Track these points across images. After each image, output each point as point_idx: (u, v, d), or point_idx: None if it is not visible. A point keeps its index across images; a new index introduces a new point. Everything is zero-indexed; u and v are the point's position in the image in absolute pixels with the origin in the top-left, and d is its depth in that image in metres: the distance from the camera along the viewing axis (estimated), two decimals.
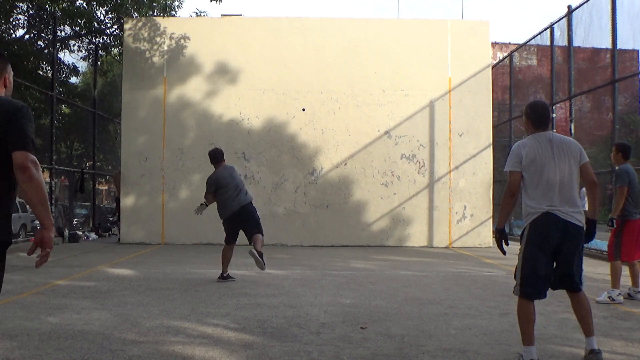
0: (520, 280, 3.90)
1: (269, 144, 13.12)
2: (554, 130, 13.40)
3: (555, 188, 3.84)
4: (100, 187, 23.81)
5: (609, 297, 6.25)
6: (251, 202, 7.48)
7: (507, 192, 4.12)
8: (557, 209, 3.81)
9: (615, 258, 6.36)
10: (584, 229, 3.86)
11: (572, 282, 3.90)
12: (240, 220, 7.35)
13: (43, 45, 16.02)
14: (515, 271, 4.01)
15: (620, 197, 6.23)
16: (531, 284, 3.83)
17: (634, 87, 16.39)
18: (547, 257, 3.83)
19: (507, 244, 4.10)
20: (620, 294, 6.29)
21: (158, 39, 13.26)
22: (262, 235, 7.33)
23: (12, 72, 3.05)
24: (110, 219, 16.83)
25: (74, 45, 16.88)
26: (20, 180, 2.65)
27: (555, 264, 3.87)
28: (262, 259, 6.91)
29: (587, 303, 4.00)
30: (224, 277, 7.38)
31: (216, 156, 7.61)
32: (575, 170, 3.90)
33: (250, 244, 7.19)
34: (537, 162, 3.87)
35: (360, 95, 13.18)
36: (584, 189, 16.78)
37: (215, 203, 7.47)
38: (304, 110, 12.92)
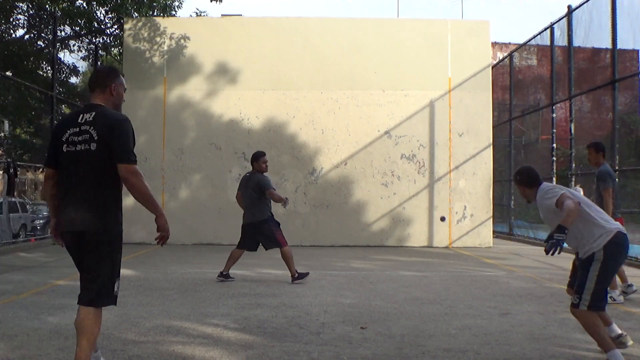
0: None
1: (269, 144, 13.10)
2: (554, 131, 13.41)
3: None
4: None
5: (610, 297, 6.25)
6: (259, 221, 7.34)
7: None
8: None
9: None
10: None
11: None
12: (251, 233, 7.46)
13: (43, 45, 16.04)
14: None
15: (609, 199, 6.23)
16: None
17: (634, 87, 16.40)
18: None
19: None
20: (620, 294, 6.30)
21: (158, 39, 13.26)
22: (280, 250, 7.28)
23: (123, 84, 3.46)
24: None
25: (74, 45, 16.90)
26: (125, 186, 3.18)
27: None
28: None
29: None
30: (224, 276, 7.37)
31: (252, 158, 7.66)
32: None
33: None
34: None
35: (360, 95, 13.18)
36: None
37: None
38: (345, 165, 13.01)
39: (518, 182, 4.30)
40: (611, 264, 3.84)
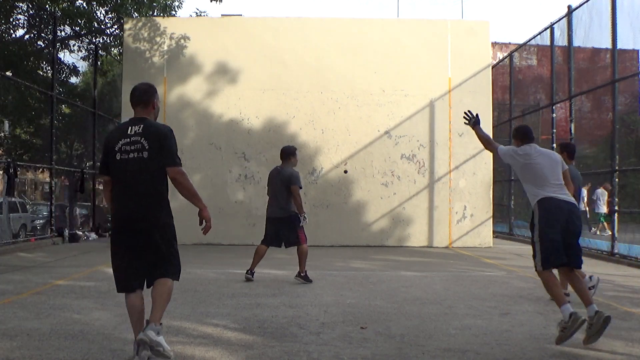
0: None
1: (269, 144, 13.10)
2: (554, 131, 13.42)
3: None
4: (100, 187, 23.77)
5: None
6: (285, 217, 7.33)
7: None
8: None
9: None
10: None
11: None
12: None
13: (43, 45, 16.03)
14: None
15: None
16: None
17: (634, 87, 16.39)
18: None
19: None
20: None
21: (158, 39, 13.26)
22: (299, 246, 7.34)
23: (159, 98, 4.06)
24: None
25: (74, 45, 16.89)
26: (174, 185, 3.77)
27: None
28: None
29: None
30: (251, 274, 7.40)
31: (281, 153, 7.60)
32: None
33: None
34: None
35: (360, 95, 13.18)
36: (598, 190, 16.65)
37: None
38: (346, 172, 13.00)
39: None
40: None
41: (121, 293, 3.92)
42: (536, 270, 4.62)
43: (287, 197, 7.29)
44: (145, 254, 3.78)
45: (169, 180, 3.77)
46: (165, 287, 3.76)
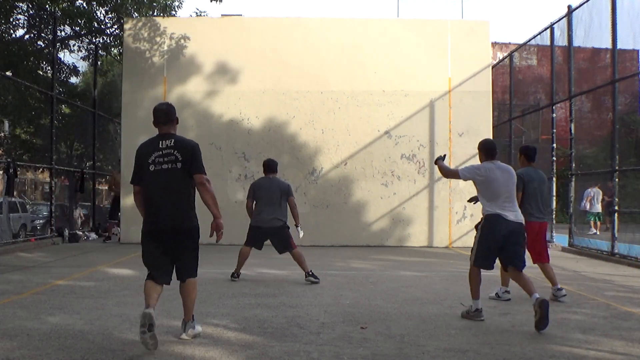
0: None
1: (269, 144, 13.10)
2: (554, 131, 13.42)
3: None
4: (100, 187, 23.79)
5: (495, 294, 6.36)
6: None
7: None
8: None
9: None
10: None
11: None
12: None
13: (43, 45, 16.02)
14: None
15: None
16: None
17: (634, 87, 16.40)
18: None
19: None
20: (507, 291, 6.32)
21: (158, 39, 13.25)
22: (292, 252, 7.54)
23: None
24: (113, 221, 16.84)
25: (74, 45, 16.88)
26: (199, 190, 4.35)
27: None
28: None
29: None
30: (237, 276, 7.49)
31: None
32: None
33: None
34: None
35: (360, 95, 13.18)
36: (589, 190, 16.62)
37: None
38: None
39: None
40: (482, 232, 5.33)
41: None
42: (470, 261, 5.45)
43: (284, 208, 7.46)
44: (174, 253, 4.37)
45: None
46: (192, 286, 4.50)
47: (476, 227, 5.50)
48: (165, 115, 4.45)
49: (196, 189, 4.40)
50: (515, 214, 5.28)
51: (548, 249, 6.67)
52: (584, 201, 16.31)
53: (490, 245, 5.21)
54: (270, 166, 7.69)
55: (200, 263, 8.09)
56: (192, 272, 4.50)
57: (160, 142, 4.35)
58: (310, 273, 7.35)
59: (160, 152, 4.31)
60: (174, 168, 4.27)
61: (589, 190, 16.55)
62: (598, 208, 16.52)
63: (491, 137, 13.28)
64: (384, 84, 13.17)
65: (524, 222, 5.32)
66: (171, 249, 4.35)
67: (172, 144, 4.32)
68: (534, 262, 6.48)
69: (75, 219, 16.98)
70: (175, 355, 4.01)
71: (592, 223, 16.47)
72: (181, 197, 4.33)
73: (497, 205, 5.24)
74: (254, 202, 7.55)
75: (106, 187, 22.44)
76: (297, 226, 7.50)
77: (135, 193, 4.49)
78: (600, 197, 16.46)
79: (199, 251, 4.52)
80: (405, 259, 10.53)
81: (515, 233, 5.21)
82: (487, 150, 5.49)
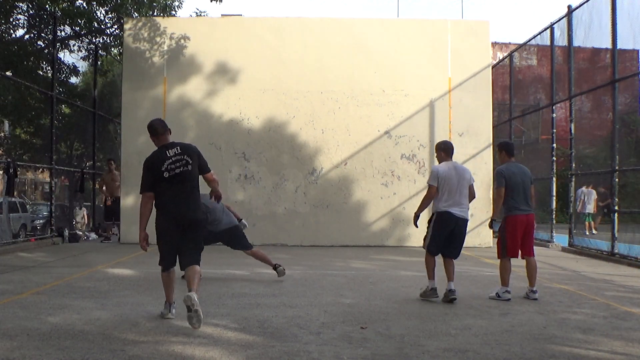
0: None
1: (269, 144, 13.11)
2: (554, 131, 13.43)
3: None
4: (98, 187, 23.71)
5: (496, 294, 6.34)
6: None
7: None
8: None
9: (502, 256, 6.45)
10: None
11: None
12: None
13: (43, 45, 16.02)
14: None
15: (498, 199, 6.41)
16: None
17: (634, 87, 16.40)
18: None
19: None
20: (507, 291, 6.32)
21: (158, 39, 13.25)
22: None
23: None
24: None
25: (74, 45, 16.87)
26: (209, 185, 5.35)
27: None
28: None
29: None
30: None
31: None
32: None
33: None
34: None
35: (360, 95, 13.18)
36: (580, 190, 16.55)
37: None
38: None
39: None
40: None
41: (159, 270, 5.29)
42: (423, 247, 6.40)
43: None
44: (183, 243, 5.08)
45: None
46: (196, 270, 5.06)
47: (429, 222, 6.37)
48: (162, 124, 5.15)
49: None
50: (462, 211, 6.17)
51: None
52: (578, 202, 16.26)
53: (441, 237, 6.22)
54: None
55: (200, 263, 8.09)
56: (196, 259, 5.13)
57: (167, 151, 5.02)
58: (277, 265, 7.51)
59: (171, 160, 4.97)
60: (187, 170, 5.01)
61: (580, 190, 16.44)
62: (590, 209, 16.41)
63: (491, 138, 13.34)
64: (384, 84, 13.17)
65: (468, 219, 6.30)
66: (182, 239, 5.07)
67: (179, 150, 5.03)
68: (522, 256, 6.48)
69: (80, 218, 16.97)
70: (175, 355, 4.01)
71: (586, 224, 16.39)
72: (195, 193, 5.11)
73: (449, 203, 6.10)
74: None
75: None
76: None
77: (147, 198, 5.05)
78: (593, 197, 16.37)
79: (202, 241, 5.33)
80: (405, 259, 10.53)
81: (459, 228, 6.22)
82: (446, 149, 6.36)
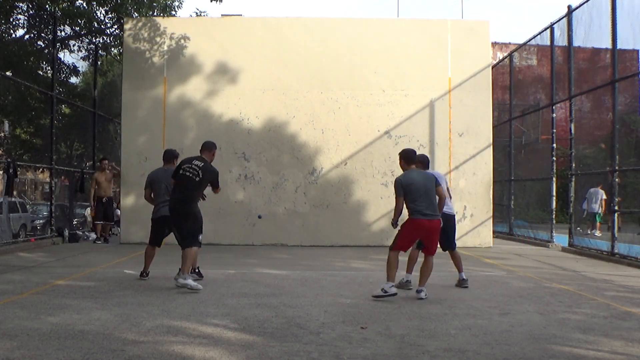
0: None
1: (269, 144, 13.11)
2: (554, 131, 13.43)
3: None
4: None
5: (382, 290, 6.31)
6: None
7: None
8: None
9: (391, 249, 6.53)
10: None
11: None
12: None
13: (43, 45, 16.02)
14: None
15: (396, 209, 6.51)
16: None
17: (634, 87, 16.39)
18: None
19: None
20: (393, 286, 6.41)
21: (158, 39, 13.25)
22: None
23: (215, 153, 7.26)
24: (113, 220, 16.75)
25: (74, 45, 16.86)
26: (215, 193, 7.30)
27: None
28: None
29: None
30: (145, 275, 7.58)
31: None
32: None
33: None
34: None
35: (360, 95, 13.18)
36: (591, 190, 16.46)
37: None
38: (260, 217, 12.45)
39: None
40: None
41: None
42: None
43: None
44: (180, 230, 6.93)
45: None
46: (190, 252, 6.68)
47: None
48: (207, 146, 7.10)
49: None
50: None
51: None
52: (585, 202, 16.21)
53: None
54: (165, 156, 7.81)
55: (200, 263, 8.10)
56: (193, 241, 6.82)
57: (195, 161, 6.91)
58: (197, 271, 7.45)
59: (190, 166, 6.79)
60: (193, 178, 6.77)
61: (591, 190, 16.38)
62: (595, 208, 16.31)
63: (491, 138, 13.33)
64: (384, 84, 13.17)
65: (453, 214, 7.05)
66: (178, 224, 6.97)
67: (201, 164, 6.85)
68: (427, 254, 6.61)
69: (85, 218, 16.93)
70: (175, 355, 4.01)
71: (594, 224, 16.26)
72: (192, 195, 6.89)
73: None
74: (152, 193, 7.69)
75: None
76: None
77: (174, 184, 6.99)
78: (601, 197, 16.27)
79: (198, 228, 6.88)
80: (405, 259, 10.45)
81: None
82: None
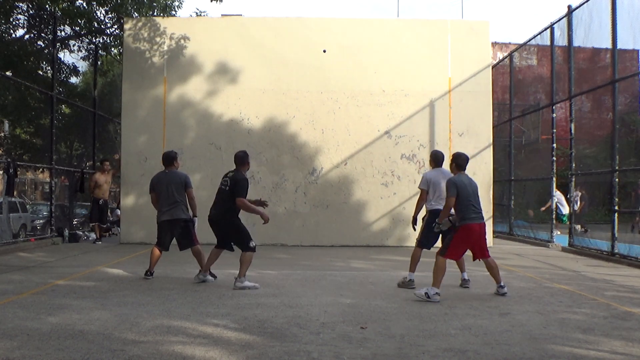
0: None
1: (269, 144, 13.10)
2: (554, 131, 13.43)
3: None
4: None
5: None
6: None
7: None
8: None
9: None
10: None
11: None
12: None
13: (43, 45, 16.02)
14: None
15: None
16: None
17: (634, 87, 16.40)
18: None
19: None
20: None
21: (158, 39, 13.25)
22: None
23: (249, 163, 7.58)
24: (110, 219, 16.71)
25: (74, 45, 16.87)
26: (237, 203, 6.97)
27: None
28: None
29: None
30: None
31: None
32: None
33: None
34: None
35: (360, 95, 13.17)
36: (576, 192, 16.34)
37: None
38: (324, 51, 12.90)
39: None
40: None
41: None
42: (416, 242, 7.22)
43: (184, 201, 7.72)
44: (226, 236, 7.16)
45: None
46: (244, 257, 6.91)
47: (423, 218, 7.22)
48: (242, 157, 7.30)
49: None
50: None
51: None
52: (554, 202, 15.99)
53: (433, 233, 6.96)
54: (165, 160, 7.77)
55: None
56: (246, 247, 6.97)
57: (229, 172, 7.23)
58: (210, 272, 7.46)
59: (226, 178, 7.15)
60: (225, 189, 7.08)
61: (556, 192, 16.09)
62: (562, 210, 16.06)
63: (491, 138, 13.33)
64: (384, 84, 13.17)
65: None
66: (222, 232, 7.24)
67: (231, 174, 7.17)
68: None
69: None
70: (175, 355, 4.01)
71: (562, 225, 15.90)
72: (227, 204, 7.06)
73: (435, 202, 7.05)
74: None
75: None
76: (195, 217, 7.69)
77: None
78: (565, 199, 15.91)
79: (245, 235, 7.02)
80: (405, 259, 10.48)
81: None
82: (435, 159, 7.48)
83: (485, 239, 6.66)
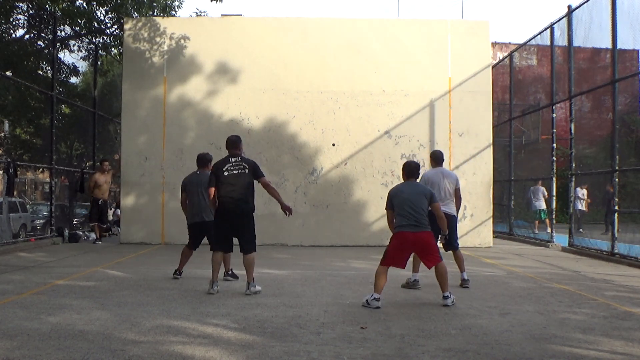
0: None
1: (269, 144, 13.10)
2: (554, 131, 13.43)
3: None
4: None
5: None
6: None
7: None
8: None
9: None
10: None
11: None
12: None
13: (43, 45, 16.02)
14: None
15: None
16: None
17: (634, 87, 16.39)
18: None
19: None
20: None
21: (158, 39, 13.25)
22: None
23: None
24: (110, 219, 16.70)
25: (74, 45, 16.86)
26: (265, 189, 6.73)
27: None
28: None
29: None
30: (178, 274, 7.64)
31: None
32: None
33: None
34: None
35: (360, 95, 13.17)
36: (535, 187, 16.12)
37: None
38: (333, 145, 13.02)
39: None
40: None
41: (209, 252, 6.66)
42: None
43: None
44: (239, 231, 6.49)
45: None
46: (251, 258, 6.42)
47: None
48: (234, 143, 6.80)
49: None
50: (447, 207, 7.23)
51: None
52: (535, 197, 15.96)
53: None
54: (200, 161, 7.74)
55: (200, 263, 8.12)
56: (253, 245, 6.52)
57: (230, 158, 6.61)
58: (230, 273, 7.46)
59: (232, 164, 6.52)
60: (242, 172, 6.51)
61: (532, 188, 16.04)
62: (539, 205, 16.00)
63: (491, 138, 13.33)
64: (384, 84, 13.17)
65: (454, 214, 7.36)
66: (236, 226, 6.53)
67: (239, 159, 6.59)
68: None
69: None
70: (175, 355, 4.01)
71: (541, 221, 15.84)
72: (247, 191, 6.54)
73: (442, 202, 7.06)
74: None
75: None
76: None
77: (210, 192, 6.58)
78: (542, 194, 15.87)
79: (254, 231, 6.67)
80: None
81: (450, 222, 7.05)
82: (435, 159, 7.65)
83: (432, 247, 6.26)
